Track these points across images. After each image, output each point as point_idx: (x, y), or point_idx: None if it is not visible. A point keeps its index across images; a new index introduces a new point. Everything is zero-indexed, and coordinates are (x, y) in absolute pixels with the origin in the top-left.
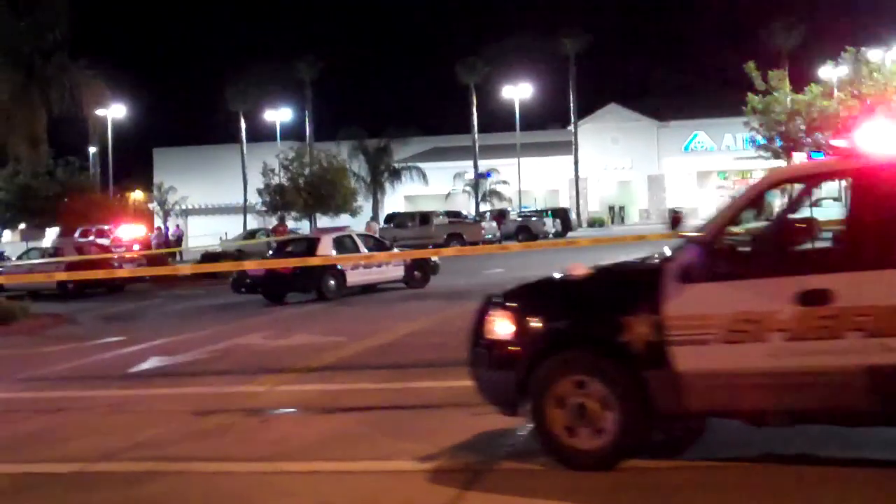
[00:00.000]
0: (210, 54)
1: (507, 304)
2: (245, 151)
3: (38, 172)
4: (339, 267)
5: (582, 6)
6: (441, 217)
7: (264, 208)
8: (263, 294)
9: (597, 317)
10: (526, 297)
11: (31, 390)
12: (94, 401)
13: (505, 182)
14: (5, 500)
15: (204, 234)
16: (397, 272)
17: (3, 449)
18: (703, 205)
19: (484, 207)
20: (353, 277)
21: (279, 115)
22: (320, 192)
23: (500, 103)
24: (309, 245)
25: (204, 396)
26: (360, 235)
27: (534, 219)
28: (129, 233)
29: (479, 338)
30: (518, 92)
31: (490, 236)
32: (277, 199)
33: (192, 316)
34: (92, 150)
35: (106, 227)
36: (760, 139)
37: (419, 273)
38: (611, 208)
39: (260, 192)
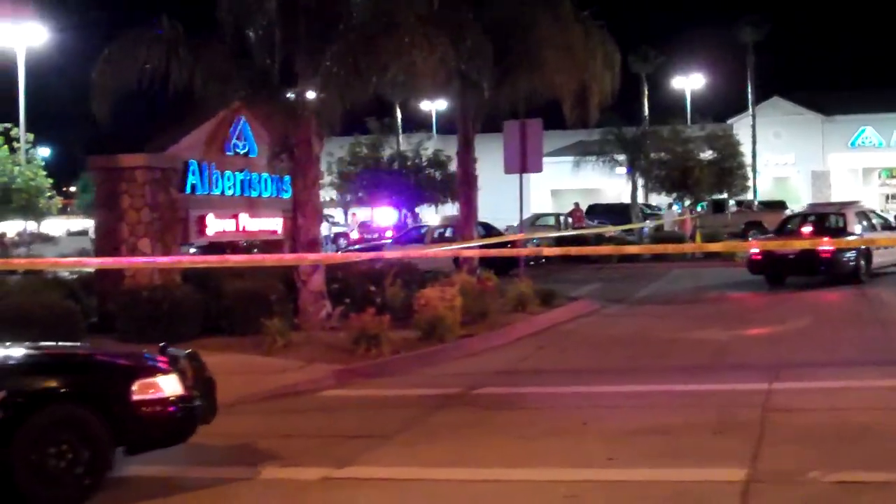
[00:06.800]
0: None
1: None
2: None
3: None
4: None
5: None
6: (733, 205)
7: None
8: (767, 275)
9: None
10: None
11: None
12: None
13: None
14: None
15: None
16: None
17: None
18: (868, 203)
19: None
20: (877, 259)
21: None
22: (721, 170)
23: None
24: (837, 221)
25: None
26: (871, 210)
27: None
28: None
29: None
30: (689, 83)
31: None
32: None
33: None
34: None
35: None
36: None
37: None
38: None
39: (646, 170)
